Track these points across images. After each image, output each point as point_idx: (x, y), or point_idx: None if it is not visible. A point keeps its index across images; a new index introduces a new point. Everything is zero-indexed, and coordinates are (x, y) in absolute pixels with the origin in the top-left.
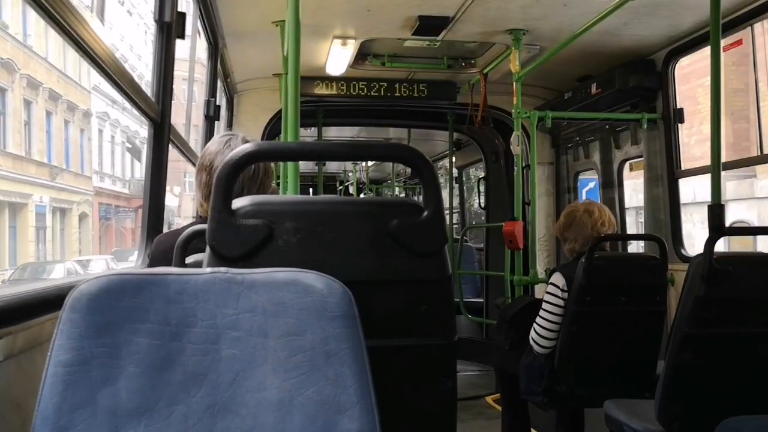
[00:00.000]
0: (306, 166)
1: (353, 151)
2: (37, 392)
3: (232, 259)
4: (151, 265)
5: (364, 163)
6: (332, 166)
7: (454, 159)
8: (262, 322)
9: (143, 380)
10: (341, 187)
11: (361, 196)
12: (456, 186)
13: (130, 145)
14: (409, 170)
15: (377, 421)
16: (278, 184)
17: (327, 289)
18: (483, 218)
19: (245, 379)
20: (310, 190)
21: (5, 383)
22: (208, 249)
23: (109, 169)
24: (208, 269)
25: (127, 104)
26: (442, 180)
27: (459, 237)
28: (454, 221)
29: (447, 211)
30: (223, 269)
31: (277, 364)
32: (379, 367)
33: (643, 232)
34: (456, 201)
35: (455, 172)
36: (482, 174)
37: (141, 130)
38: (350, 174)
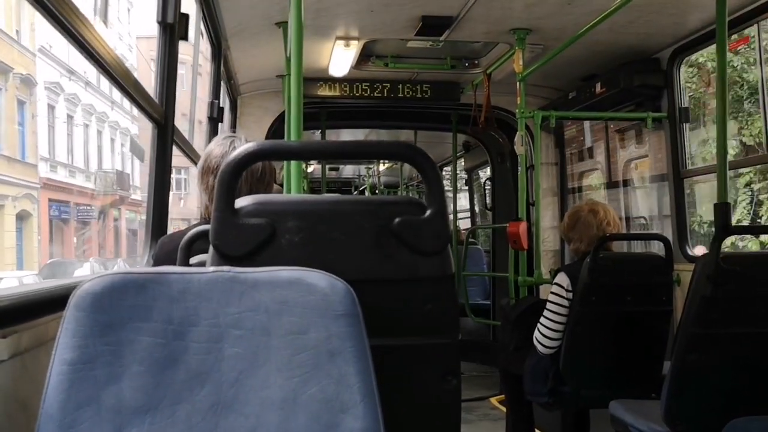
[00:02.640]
0: (318, 172)
1: (354, 150)
2: (42, 390)
3: (235, 258)
4: (155, 266)
5: (376, 168)
6: (347, 172)
7: (463, 161)
8: (265, 320)
9: (147, 379)
10: (356, 192)
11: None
12: (466, 188)
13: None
14: None
15: (381, 420)
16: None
17: (330, 287)
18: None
19: (248, 377)
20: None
21: (11, 382)
22: (211, 248)
23: (65, 158)
24: (211, 268)
25: (90, 77)
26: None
27: (465, 239)
28: (461, 227)
29: (451, 214)
30: (226, 268)
31: (281, 362)
32: (383, 366)
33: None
34: (461, 203)
35: (465, 174)
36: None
37: (111, 112)
38: (365, 179)
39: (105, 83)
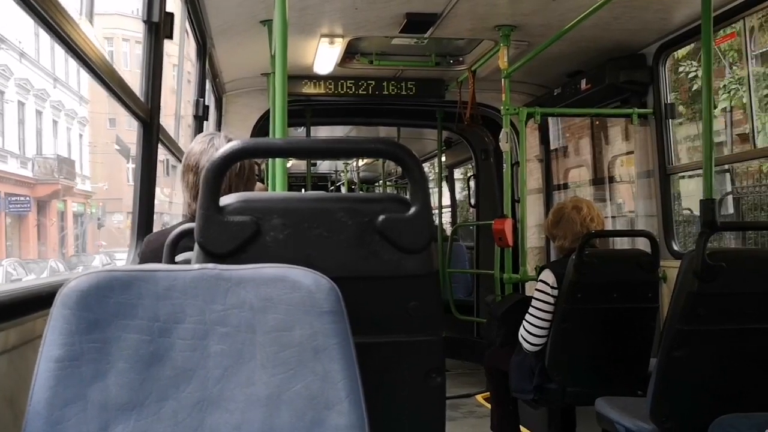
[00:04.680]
0: (297, 167)
1: (339, 147)
2: (29, 387)
3: (220, 256)
4: (140, 264)
5: (354, 163)
6: (323, 167)
7: (444, 158)
8: (250, 317)
9: (133, 375)
10: (332, 187)
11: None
12: (446, 184)
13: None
14: (400, 169)
15: (365, 417)
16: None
17: (315, 284)
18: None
19: (234, 374)
20: (302, 190)
21: None
22: (196, 246)
23: None
24: (197, 265)
25: (25, 48)
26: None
27: (449, 235)
28: (444, 221)
29: (435, 210)
30: (211, 265)
31: (266, 359)
32: (367, 363)
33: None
34: (446, 199)
35: (445, 170)
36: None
37: (54, 90)
38: (342, 174)
39: (45, 55)
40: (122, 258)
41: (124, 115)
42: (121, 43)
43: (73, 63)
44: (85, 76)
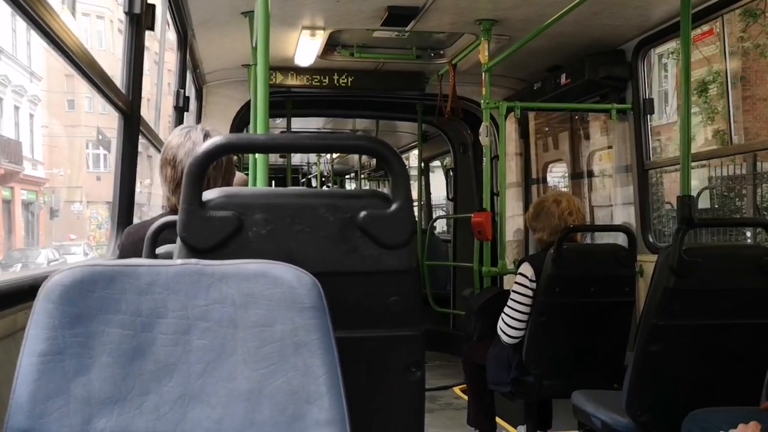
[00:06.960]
0: (270, 158)
1: (324, 144)
2: (12, 381)
3: (202, 251)
4: (121, 256)
5: (328, 156)
6: (295, 159)
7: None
8: (232, 313)
9: (115, 370)
10: (304, 179)
11: (324, 188)
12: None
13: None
14: (374, 162)
15: (346, 411)
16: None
17: (296, 280)
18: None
19: (215, 369)
20: (272, 182)
21: None
22: (178, 241)
23: None
24: (179, 260)
25: None
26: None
27: (426, 228)
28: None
29: (416, 204)
30: (193, 261)
31: (247, 354)
32: (349, 358)
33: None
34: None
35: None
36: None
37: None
38: (314, 166)
39: None
40: (77, 252)
41: (85, 96)
42: (81, 18)
43: (22, 33)
44: (38, 49)
